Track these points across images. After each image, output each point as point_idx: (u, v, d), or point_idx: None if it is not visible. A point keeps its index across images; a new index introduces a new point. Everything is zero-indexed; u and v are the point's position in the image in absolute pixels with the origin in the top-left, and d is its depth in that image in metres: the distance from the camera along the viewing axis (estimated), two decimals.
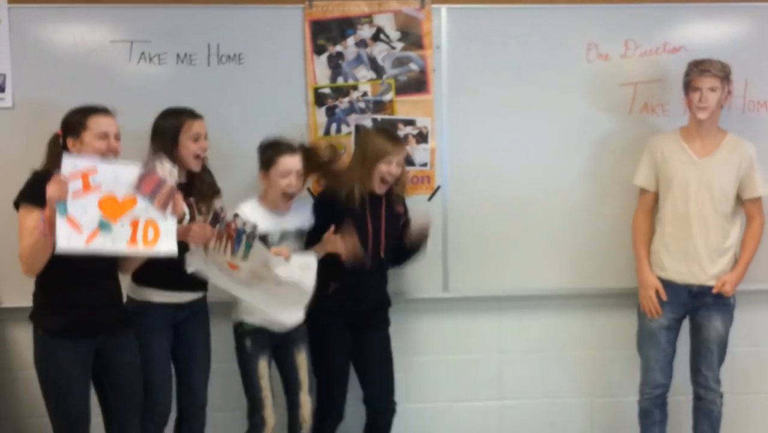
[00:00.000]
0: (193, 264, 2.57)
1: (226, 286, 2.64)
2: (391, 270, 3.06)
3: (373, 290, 2.98)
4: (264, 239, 2.65)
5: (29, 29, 3.04)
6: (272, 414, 2.80)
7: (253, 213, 2.72)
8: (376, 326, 3.04)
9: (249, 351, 2.78)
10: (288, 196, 2.77)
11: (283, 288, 2.63)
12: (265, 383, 2.79)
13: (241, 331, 2.81)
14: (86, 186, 2.28)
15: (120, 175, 2.35)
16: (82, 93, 2.96)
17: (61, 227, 2.23)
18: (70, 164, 2.27)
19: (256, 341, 2.78)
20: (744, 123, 3.21)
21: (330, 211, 2.82)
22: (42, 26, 3.05)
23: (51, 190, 2.22)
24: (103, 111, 2.46)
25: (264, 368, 2.79)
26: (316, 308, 2.79)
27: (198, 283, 2.72)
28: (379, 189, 2.88)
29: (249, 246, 2.58)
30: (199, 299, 2.77)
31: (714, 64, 2.91)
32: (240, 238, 2.57)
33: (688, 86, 2.95)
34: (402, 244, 2.96)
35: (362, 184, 2.84)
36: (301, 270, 2.65)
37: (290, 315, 2.78)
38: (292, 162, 2.75)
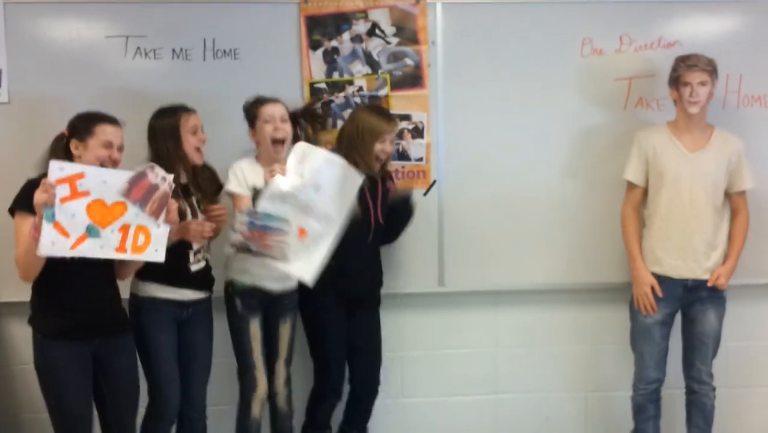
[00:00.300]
0: (302, 272, 2.59)
1: (324, 252, 2.62)
2: (385, 263, 3.09)
3: (370, 269, 3.00)
4: (254, 191, 2.66)
5: (25, 24, 3.04)
6: (263, 376, 2.80)
7: (249, 168, 2.75)
8: (368, 306, 3.05)
9: (239, 311, 2.78)
10: (278, 143, 2.76)
11: (324, 183, 2.60)
12: (256, 344, 2.78)
13: (232, 291, 2.79)
14: (74, 191, 2.28)
15: (108, 181, 2.35)
16: (78, 88, 3.02)
17: (47, 232, 2.24)
18: (56, 169, 2.27)
19: (246, 301, 2.77)
20: (739, 118, 3.22)
21: None
22: (37, 21, 3.05)
23: (37, 196, 2.23)
24: (111, 121, 2.48)
25: (255, 328, 2.78)
26: (312, 288, 2.80)
27: (202, 282, 2.74)
28: (374, 168, 2.91)
29: (268, 216, 2.54)
30: (203, 299, 2.76)
31: (701, 58, 2.92)
32: (262, 226, 2.53)
33: (677, 81, 2.96)
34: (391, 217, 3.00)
35: (365, 165, 2.84)
36: (303, 158, 2.61)
37: (357, 182, 2.70)
38: (273, 108, 2.77)
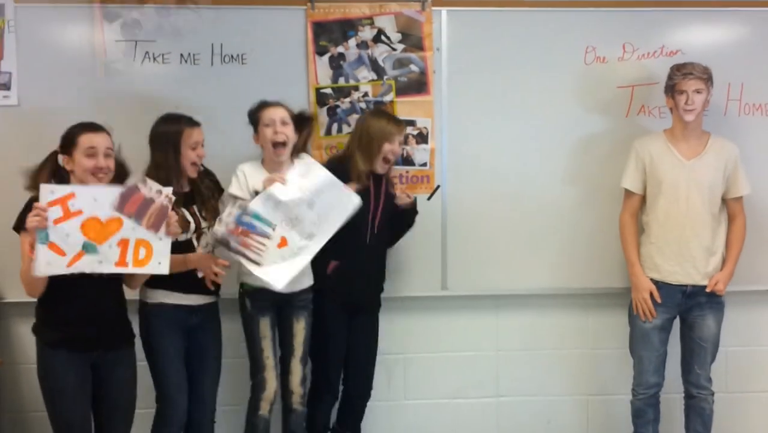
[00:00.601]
0: (272, 278, 2.61)
1: (300, 265, 2.67)
2: (389, 267, 3.12)
3: (369, 272, 3.01)
4: (256, 193, 2.69)
5: (35, 28, 3.07)
6: (273, 377, 2.82)
7: (252, 171, 2.77)
8: (368, 309, 3.08)
9: (248, 311, 2.81)
10: (279, 145, 2.77)
11: (319, 202, 2.68)
12: (266, 343, 2.81)
13: (242, 291, 2.83)
14: (66, 212, 2.33)
15: (99, 198, 2.38)
16: (87, 92, 3.05)
17: (41, 253, 2.29)
18: (47, 192, 2.32)
19: (256, 301, 2.80)
20: (740, 126, 3.26)
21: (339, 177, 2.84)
22: (47, 25, 3.08)
23: (29, 220, 2.28)
24: (93, 128, 2.47)
25: (265, 328, 2.80)
26: (316, 289, 2.83)
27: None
28: (382, 168, 2.95)
29: (257, 216, 2.61)
30: (210, 303, 2.79)
31: (696, 67, 2.96)
32: (248, 224, 2.59)
33: (673, 90, 3.00)
34: (395, 221, 3.03)
35: (368, 163, 2.90)
36: (307, 173, 2.70)
37: (352, 205, 2.76)
38: (273, 111, 2.79)
